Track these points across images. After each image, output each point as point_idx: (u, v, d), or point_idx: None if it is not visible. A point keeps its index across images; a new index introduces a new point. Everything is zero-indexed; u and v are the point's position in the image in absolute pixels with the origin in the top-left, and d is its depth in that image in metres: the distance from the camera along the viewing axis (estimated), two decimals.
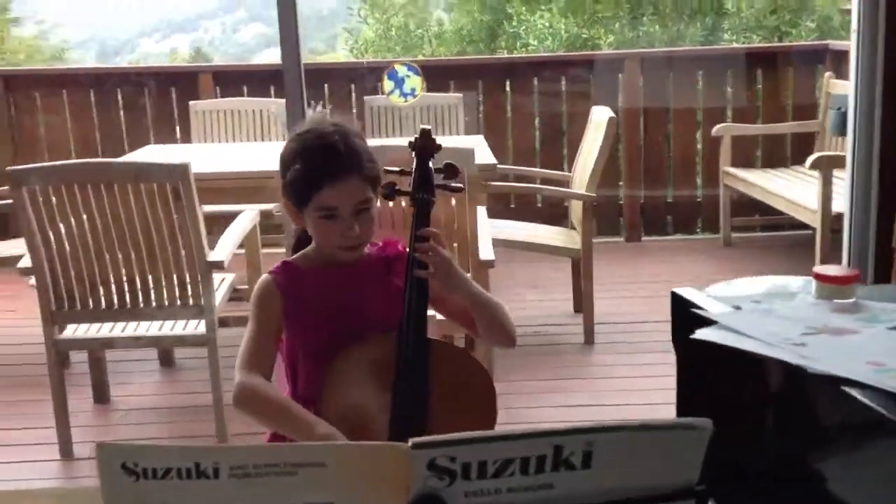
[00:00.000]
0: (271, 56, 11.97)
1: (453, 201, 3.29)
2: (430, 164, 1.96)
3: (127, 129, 6.16)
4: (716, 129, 5.79)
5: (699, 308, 1.41)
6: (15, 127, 6.23)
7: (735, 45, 9.78)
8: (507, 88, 6.30)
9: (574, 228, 4.62)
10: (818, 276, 1.54)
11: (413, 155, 1.97)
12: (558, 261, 4.74)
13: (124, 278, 3.37)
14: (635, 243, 6.19)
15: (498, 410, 1.85)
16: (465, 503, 0.99)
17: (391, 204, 2.96)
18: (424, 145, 1.97)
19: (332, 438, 1.70)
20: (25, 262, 3.42)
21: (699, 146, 6.35)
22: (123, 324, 3.49)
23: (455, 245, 3.31)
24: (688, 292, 1.47)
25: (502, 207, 5.68)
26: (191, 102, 5.69)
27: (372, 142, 2.09)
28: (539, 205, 6.16)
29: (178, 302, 3.38)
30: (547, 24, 10.27)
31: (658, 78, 6.19)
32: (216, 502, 0.97)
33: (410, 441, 0.98)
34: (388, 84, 4.95)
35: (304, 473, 0.96)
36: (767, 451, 1.37)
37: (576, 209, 4.57)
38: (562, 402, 3.77)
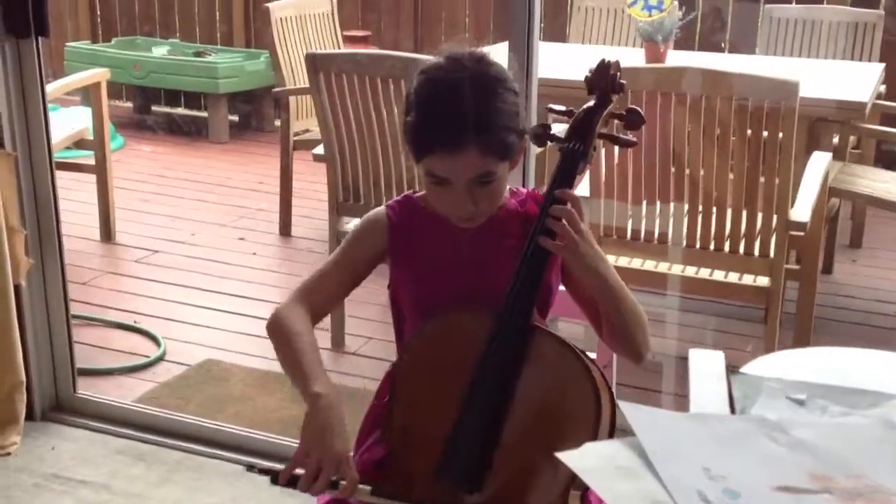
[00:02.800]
0: None
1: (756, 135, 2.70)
2: (603, 109, 1.53)
3: None
4: None
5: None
6: (419, 10, 6.34)
7: None
8: None
9: None
10: None
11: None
12: None
13: (405, 179, 3.23)
14: None
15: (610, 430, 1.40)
16: None
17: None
18: (595, 82, 1.54)
19: (321, 404, 1.42)
20: (320, 149, 3.41)
21: None
22: None
23: (740, 199, 2.75)
24: (706, 359, 0.92)
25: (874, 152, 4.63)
26: None
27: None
28: None
29: None
30: None
31: None
32: None
33: None
34: None
35: None
36: None
37: None
38: None
